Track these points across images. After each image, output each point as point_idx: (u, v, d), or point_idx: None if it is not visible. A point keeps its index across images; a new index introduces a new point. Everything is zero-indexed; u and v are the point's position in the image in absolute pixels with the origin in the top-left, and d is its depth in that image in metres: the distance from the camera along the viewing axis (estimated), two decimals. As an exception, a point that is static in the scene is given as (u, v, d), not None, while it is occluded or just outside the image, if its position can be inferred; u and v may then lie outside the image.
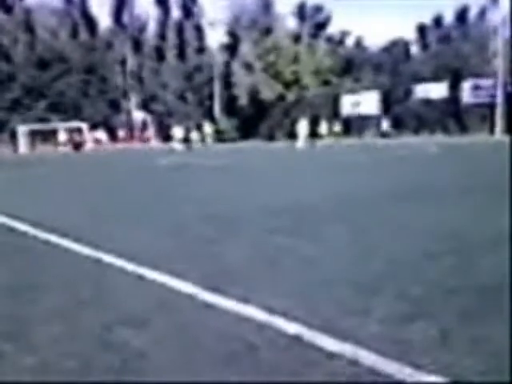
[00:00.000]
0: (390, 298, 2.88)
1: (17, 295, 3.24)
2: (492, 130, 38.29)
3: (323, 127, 38.42)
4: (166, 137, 48.04)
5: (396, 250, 4.06)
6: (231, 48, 55.01)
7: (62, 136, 42.06)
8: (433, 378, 1.97)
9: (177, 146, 34.55)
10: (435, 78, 47.65)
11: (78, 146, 38.96)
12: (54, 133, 43.55)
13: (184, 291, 3.11)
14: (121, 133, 48.22)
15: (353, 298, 2.90)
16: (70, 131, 41.63)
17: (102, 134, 45.74)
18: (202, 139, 43.71)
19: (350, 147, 28.89)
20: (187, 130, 39.41)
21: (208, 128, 45.39)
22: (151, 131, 48.61)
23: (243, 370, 2.09)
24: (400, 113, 49.36)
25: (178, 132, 37.64)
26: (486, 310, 2.66)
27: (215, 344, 2.35)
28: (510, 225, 4.72)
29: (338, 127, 45.23)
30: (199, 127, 45.36)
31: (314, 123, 38.68)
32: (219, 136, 46.91)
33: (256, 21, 56.38)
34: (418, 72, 50.57)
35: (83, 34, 51.62)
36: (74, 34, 51.35)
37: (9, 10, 49.41)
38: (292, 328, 2.47)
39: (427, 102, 48.02)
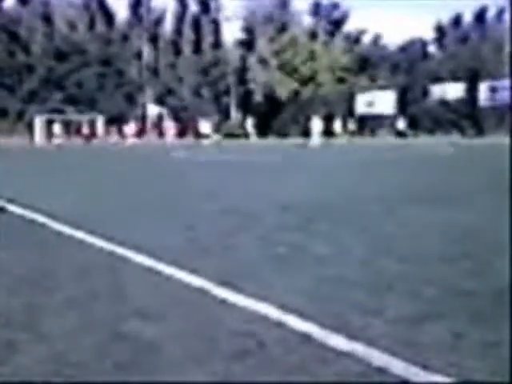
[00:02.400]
0: (402, 298, 2.88)
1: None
2: (512, 132, 37.78)
3: (337, 125, 38.31)
4: (182, 132, 48.13)
5: (409, 251, 4.04)
6: (247, 44, 54.96)
7: (57, 128, 40.89)
8: (438, 378, 1.96)
9: (205, 142, 34.68)
10: (452, 78, 47.25)
11: (88, 137, 38.94)
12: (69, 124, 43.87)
13: (196, 285, 3.12)
14: (130, 126, 47.26)
15: (364, 298, 2.90)
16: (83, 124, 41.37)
17: (130, 129, 44.71)
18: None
19: (364, 146, 28.76)
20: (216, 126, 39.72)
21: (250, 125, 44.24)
22: (170, 125, 47.36)
23: (253, 367, 2.10)
24: (416, 113, 49.05)
25: (205, 128, 37.88)
26: (500, 312, 2.64)
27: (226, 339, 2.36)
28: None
29: (352, 125, 45.02)
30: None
31: (328, 121, 38.57)
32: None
33: (272, 17, 56.27)
34: (435, 72, 50.17)
35: (101, 26, 51.90)
36: (92, 26, 51.65)
37: (27, 1, 49.83)
38: (303, 326, 2.47)
39: (443, 103, 47.63)
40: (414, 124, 47.24)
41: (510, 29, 40.27)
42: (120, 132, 45.46)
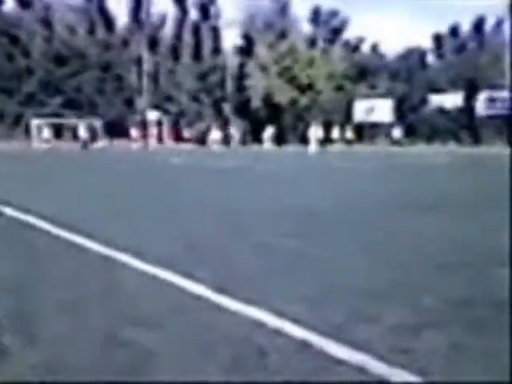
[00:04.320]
0: (400, 307, 2.86)
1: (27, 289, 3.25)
2: (510, 142, 37.88)
3: (335, 133, 38.49)
4: (178, 137, 48.34)
5: (406, 260, 4.03)
6: (246, 50, 55.10)
7: (46, 132, 40.33)
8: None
9: (216, 147, 34.96)
10: (450, 87, 47.45)
11: (85, 142, 36.71)
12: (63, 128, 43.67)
13: (194, 292, 3.10)
14: (133, 132, 47.80)
15: (362, 306, 2.88)
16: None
17: (135, 132, 45.37)
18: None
19: (361, 154, 28.82)
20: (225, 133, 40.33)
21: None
22: (165, 131, 48.47)
23: (251, 374, 2.08)
24: (414, 121, 49.22)
25: (215, 135, 38.55)
26: (499, 322, 2.63)
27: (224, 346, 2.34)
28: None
29: (350, 133, 45.11)
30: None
31: (326, 128, 38.63)
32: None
33: (272, 24, 56.46)
34: (433, 81, 50.38)
35: (100, 31, 51.99)
36: (92, 30, 51.73)
37: (28, 5, 49.91)
38: (300, 333, 2.45)
39: (441, 112, 47.82)
40: (411, 132, 47.37)
41: (511, 39, 40.45)
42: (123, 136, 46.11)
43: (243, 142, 47.19)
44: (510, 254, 3.98)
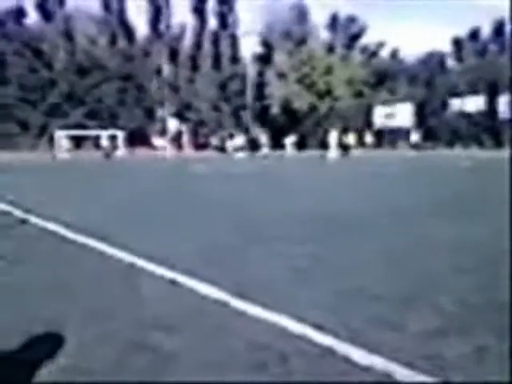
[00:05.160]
0: (421, 312, 2.85)
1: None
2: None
3: (350, 138, 38.26)
4: (198, 145, 48.77)
5: (426, 264, 4.01)
6: (265, 58, 55.26)
7: (65, 143, 41.05)
8: None
9: (240, 154, 35.10)
10: (471, 91, 46.90)
11: (108, 153, 36.50)
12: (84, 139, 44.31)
13: (213, 297, 3.14)
14: (155, 141, 48.54)
15: (384, 311, 2.88)
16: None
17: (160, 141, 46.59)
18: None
19: (379, 159, 28.61)
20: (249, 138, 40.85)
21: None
22: (186, 139, 49.24)
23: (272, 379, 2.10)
24: (434, 125, 48.74)
25: (238, 141, 38.92)
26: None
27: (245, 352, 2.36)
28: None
29: (369, 138, 44.82)
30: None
31: (345, 134, 38.44)
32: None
33: (290, 31, 56.58)
34: (453, 85, 49.85)
35: (121, 42, 52.67)
36: (113, 41, 52.45)
37: (49, 18, 50.87)
38: (322, 339, 2.46)
39: (463, 115, 47.27)
40: (432, 137, 46.90)
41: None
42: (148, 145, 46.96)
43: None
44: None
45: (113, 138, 41.55)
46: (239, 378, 2.12)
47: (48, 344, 2.50)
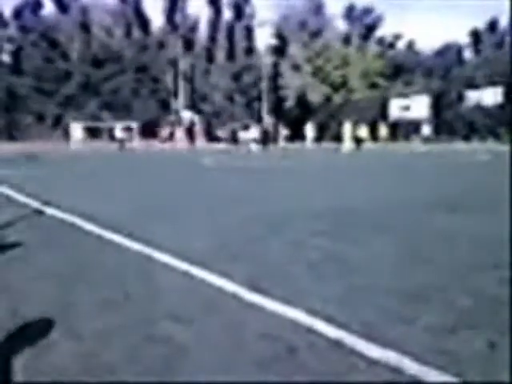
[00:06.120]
0: (435, 307, 2.84)
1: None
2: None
3: (363, 130, 37.99)
4: (211, 137, 48.73)
5: (442, 259, 3.99)
6: (279, 50, 55.01)
7: (79, 133, 41.47)
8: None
9: (253, 147, 35.00)
10: (488, 83, 46.28)
11: (122, 142, 36.48)
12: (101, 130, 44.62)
13: (227, 290, 3.15)
14: (163, 132, 48.35)
15: (396, 306, 2.88)
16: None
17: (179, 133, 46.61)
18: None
19: (394, 151, 28.41)
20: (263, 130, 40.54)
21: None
22: (198, 131, 49.01)
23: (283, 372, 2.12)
24: (451, 118, 48.22)
25: (253, 133, 38.82)
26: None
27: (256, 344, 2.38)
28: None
29: (384, 131, 44.43)
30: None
31: (358, 127, 38.14)
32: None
33: (305, 22, 56.22)
34: (470, 77, 49.23)
35: (137, 33, 52.79)
36: (128, 32, 52.58)
37: (66, 9, 51.15)
38: (333, 333, 2.47)
39: (479, 108, 46.68)
40: (448, 130, 46.40)
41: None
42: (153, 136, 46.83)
43: (276, 140, 47.08)
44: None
45: (128, 129, 41.50)
46: (252, 369, 2.13)
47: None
